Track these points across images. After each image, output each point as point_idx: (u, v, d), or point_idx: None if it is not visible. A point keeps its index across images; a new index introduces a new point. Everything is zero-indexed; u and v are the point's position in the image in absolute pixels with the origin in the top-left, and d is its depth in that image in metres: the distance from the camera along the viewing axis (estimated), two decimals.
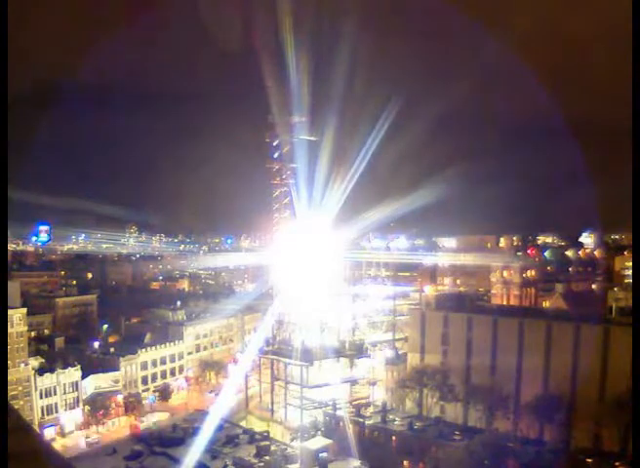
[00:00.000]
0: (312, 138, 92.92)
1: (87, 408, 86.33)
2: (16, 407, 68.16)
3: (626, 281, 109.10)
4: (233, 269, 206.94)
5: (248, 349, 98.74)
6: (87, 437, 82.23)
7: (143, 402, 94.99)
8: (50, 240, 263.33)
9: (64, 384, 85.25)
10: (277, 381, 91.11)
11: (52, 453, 4.04)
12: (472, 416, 74.97)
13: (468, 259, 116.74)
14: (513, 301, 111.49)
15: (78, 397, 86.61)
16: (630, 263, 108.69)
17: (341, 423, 75.60)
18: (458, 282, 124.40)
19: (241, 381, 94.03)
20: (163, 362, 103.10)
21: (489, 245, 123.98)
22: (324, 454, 62.25)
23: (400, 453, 69.60)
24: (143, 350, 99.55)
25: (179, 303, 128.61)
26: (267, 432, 75.78)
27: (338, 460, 63.39)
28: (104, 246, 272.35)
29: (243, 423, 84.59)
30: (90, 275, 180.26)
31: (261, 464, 61.82)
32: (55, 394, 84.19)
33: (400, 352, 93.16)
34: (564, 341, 70.53)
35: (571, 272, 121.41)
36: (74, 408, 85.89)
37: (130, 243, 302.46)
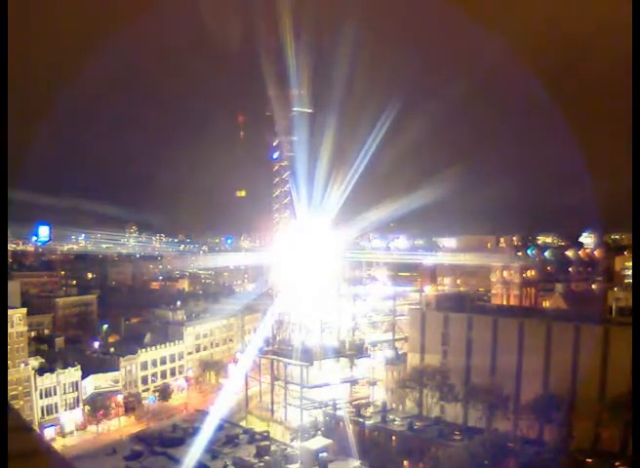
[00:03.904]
0: (308, 111, 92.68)
1: (87, 408, 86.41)
2: (16, 407, 68.24)
3: (626, 281, 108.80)
4: (233, 269, 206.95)
5: (248, 349, 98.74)
6: None
7: (143, 402, 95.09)
8: (50, 240, 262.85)
9: (64, 384, 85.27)
10: (277, 381, 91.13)
11: (52, 453, 4.04)
12: (472, 416, 74.90)
13: (468, 259, 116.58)
14: (513, 301, 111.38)
15: (78, 397, 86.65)
16: (630, 263, 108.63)
17: (341, 423, 75.61)
18: (458, 282, 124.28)
19: (241, 381, 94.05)
20: (163, 362, 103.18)
21: (489, 245, 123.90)
22: (324, 454, 62.24)
23: (400, 453, 69.57)
24: (143, 350, 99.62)
25: (179, 303, 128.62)
26: (267, 432, 75.79)
27: (338, 460, 63.40)
28: (104, 246, 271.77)
29: (243, 423, 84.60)
30: (90, 275, 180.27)
31: (261, 464, 61.83)
32: (55, 394, 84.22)
33: (400, 352, 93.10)
34: (564, 341, 70.45)
35: (571, 272, 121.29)
36: (74, 408, 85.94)
37: (130, 243, 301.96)
